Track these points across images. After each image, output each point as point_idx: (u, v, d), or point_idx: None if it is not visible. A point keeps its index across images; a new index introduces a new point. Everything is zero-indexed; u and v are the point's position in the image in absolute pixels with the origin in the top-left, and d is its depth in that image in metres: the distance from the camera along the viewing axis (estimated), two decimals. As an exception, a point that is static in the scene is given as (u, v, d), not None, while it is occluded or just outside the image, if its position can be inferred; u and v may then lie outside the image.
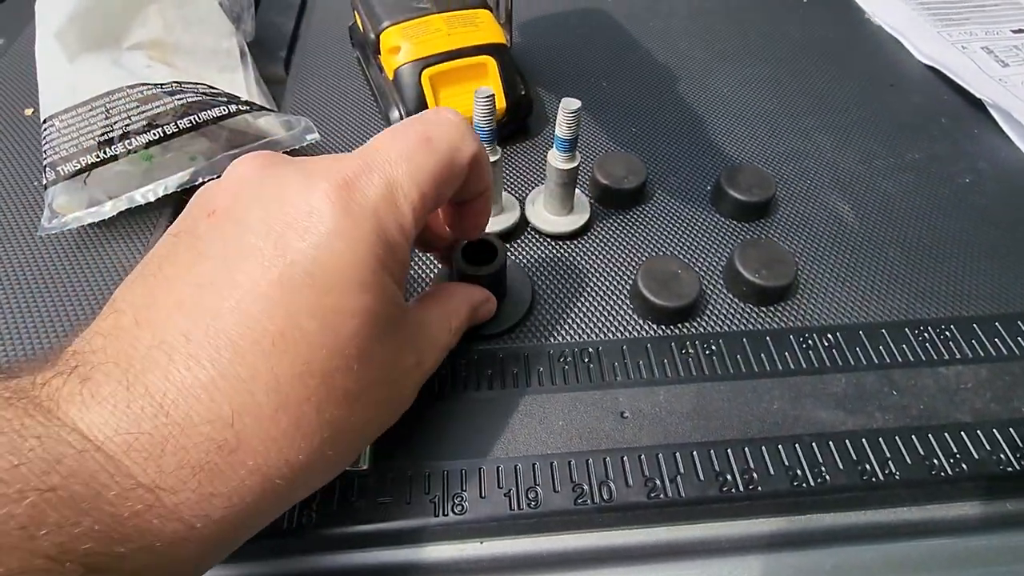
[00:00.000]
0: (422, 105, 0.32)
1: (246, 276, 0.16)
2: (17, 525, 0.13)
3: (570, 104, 0.25)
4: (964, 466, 0.23)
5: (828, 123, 0.38)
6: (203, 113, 0.30)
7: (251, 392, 0.16)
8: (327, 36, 0.44)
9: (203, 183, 0.31)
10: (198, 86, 0.32)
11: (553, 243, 0.31)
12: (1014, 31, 0.45)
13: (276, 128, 0.33)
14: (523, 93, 0.35)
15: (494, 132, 0.27)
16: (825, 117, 0.38)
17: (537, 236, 0.31)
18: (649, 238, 0.31)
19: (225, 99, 0.31)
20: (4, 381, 0.16)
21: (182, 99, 0.30)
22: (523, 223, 0.31)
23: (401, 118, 0.33)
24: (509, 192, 0.32)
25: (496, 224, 0.30)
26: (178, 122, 0.30)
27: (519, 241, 0.31)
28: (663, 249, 0.30)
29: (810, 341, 0.27)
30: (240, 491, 0.16)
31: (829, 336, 0.27)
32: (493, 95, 0.25)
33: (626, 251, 0.30)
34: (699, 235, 0.31)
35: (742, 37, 0.45)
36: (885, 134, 0.37)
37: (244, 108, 0.31)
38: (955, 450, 0.23)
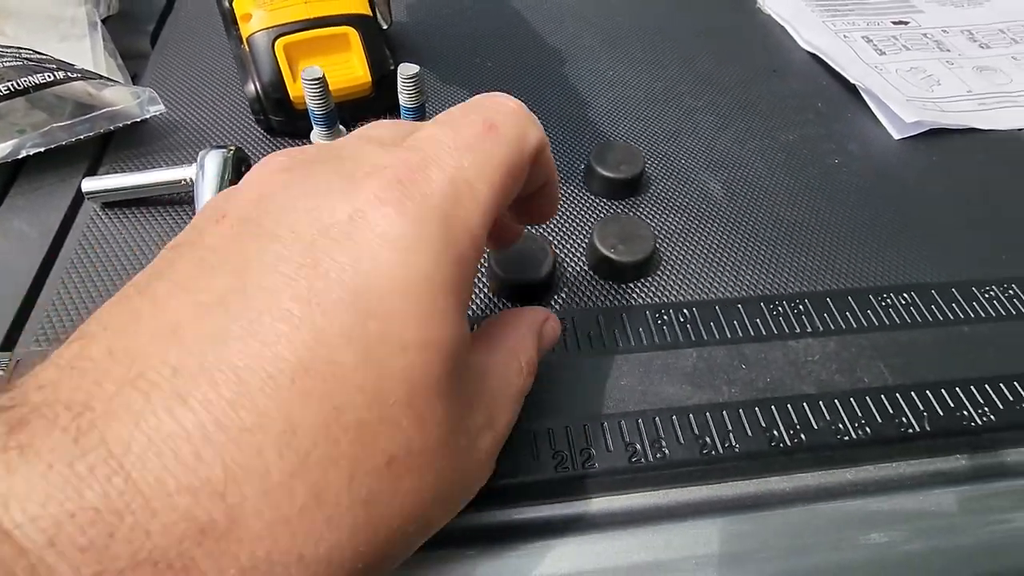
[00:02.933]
0: (277, 78, 0.30)
1: (264, 293, 0.12)
2: None
3: (407, 69, 0.24)
4: (803, 436, 0.23)
5: (709, 105, 0.38)
6: (23, 79, 0.27)
7: (256, 447, 0.11)
8: (202, 10, 0.42)
9: (26, 157, 0.29)
10: (20, 51, 0.29)
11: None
12: (894, 22, 0.47)
13: (125, 98, 0.31)
14: (393, 68, 0.33)
15: (330, 115, 0.25)
16: (707, 99, 0.38)
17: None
18: (516, 216, 0.30)
19: (54, 66, 0.29)
20: None
21: (-4, 63, 0.27)
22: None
23: (256, 92, 0.31)
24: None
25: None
26: (-7, 88, 0.27)
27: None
28: (530, 228, 0.30)
29: (665, 317, 0.26)
30: None
31: (685, 312, 0.26)
32: (322, 77, 0.24)
33: (490, 229, 0.29)
34: (568, 214, 0.30)
35: (634, 21, 0.45)
36: (763, 116, 0.37)
37: (75, 76, 0.29)
38: (795, 421, 0.23)
